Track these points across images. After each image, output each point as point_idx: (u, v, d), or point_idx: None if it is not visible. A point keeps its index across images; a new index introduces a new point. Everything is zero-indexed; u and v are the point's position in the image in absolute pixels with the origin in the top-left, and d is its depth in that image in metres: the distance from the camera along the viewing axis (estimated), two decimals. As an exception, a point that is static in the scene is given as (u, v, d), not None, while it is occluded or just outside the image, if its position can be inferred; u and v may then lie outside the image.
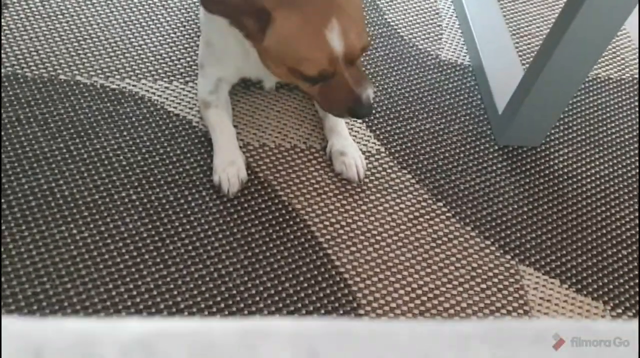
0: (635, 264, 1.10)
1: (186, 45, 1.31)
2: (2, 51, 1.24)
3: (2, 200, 1.04)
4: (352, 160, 1.14)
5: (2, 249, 0.98)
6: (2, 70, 1.21)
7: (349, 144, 1.17)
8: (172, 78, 1.26)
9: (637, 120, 1.33)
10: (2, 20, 1.30)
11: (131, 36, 1.32)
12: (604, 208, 1.17)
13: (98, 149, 1.13)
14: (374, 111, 1.00)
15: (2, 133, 1.12)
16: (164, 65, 1.28)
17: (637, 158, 1.26)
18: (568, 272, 1.08)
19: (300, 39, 0.94)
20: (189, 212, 1.07)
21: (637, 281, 1.07)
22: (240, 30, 0.99)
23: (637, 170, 1.23)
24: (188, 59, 1.28)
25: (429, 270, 1.05)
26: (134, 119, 1.18)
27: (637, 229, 1.15)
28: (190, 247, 1.02)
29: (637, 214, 1.17)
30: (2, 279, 0.95)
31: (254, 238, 1.05)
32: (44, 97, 1.18)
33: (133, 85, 1.23)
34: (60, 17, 1.32)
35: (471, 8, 1.45)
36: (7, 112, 1.15)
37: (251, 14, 0.94)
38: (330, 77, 0.96)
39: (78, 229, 1.02)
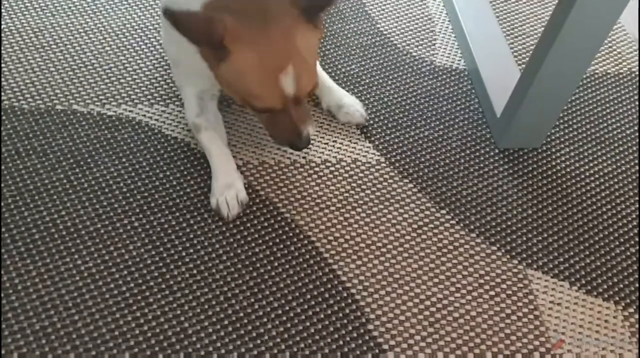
0: (645, 261, 1.09)
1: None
2: (-2, 85, 1.25)
3: (6, 235, 1.04)
4: (352, 107, 1.23)
5: (9, 285, 0.99)
6: (1, 104, 1.22)
7: (343, 95, 1.25)
8: (168, 101, 1.26)
9: (638, 114, 1.31)
10: (-3, 53, 1.31)
11: (125, 62, 1.32)
12: (609, 207, 1.16)
13: (98, 177, 1.13)
14: (311, 144, 1.10)
15: (2, 167, 1.13)
16: (159, 88, 1.28)
17: (639, 153, 1.24)
18: (577, 274, 1.07)
19: (255, 77, 0.94)
20: (191, 236, 1.06)
21: (647, 278, 1.06)
22: (199, 51, 0.99)
23: (639, 167, 1.22)
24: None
25: (436, 280, 1.04)
26: (132, 145, 1.18)
27: (645, 225, 1.14)
28: (194, 271, 1.02)
29: (643, 210, 1.16)
30: (10, 315, 0.95)
31: (259, 258, 1.04)
32: (42, 129, 1.19)
33: (130, 111, 1.23)
34: (54, 47, 1.33)
35: (463, 12, 1.44)
36: (6, 146, 1.16)
37: (210, 45, 0.93)
38: (277, 111, 0.99)
39: (82, 260, 1.02)
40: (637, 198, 1.18)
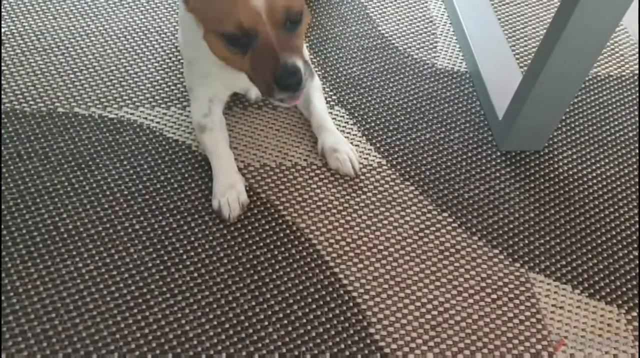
0: (648, 264, 1.09)
1: (182, 70, 1.31)
2: (0, 88, 1.25)
3: (7, 237, 1.04)
4: (345, 154, 1.16)
5: (10, 287, 0.98)
6: (2, 107, 1.22)
7: (340, 140, 1.18)
8: (169, 104, 1.26)
9: (639, 117, 1.31)
10: (-1, 56, 1.31)
11: (127, 64, 1.32)
12: (612, 210, 1.15)
13: (99, 179, 1.13)
14: (302, 86, 0.92)
15: (4, 170, 1.13)
16: (160, 91, 1.28)
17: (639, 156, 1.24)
18: (579, 277, 1.06)
19: None
20: (192, 239, 1.06)
21: (650, 281, 1.06)
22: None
23: (639, 169, 1.22)
24: (184, 83, 1.28)
25: (438, 283, 1.04)
26: (133, 148, 1.18)
27: (647, 228, 1.13)
28: (195, 274, 1.02)
29: (646, 212, 1.16)
30: (11, 318, 0.95)
31: (260, 261, 1.04)
32: (44, 131, 1.19)
33: (131, 114, 1.23)
34: (56, 49, 1.33)
35: (465, 14, 1.44)
36: (8, 149, 1.16)
37: None
38: (254, 37, 0.92)
39: (84, 262, 1.02)
40: (639, 201, 1.17)
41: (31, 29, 1.37)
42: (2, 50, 1.32)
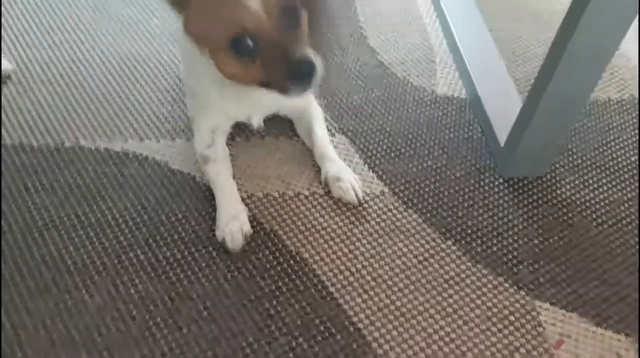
0: (655, 291, 1.08)
1: (186, 102, 1.33)
2: (8, 122, 1.27)
3: (16, 273, 1.05)
4: (348, 183, 1.17)
5: (19, 322, 0.99)
6: (9, 142, 1.24)
7: (343, 168, 1.19)
8: (174, 135, 1.27)
9: (638, 142, 1.31)
10: (7, 90, 1.33)
11: (132, 97, 1.34)
12: (617, 235, 1.15)
13: (105, 212, 1.14)
14: (315, 76, 0.93)
15: (12, 204, 1.14)
16: (165, 123, 1.29)
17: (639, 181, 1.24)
18: (586, 305, 1.06)
19: (216, 7, 0.94)
20: (197, 270, 1.07)
21: (658, 309, 1.05)
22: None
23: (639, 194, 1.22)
24: (188, 114, 1.30)
25: (443, 313, 1.04)
26: (139, 180, 1.19)
27: (651, 253, 1.13)
28: (201, 307, 1.02)
29: (650, 237, 1.15)
30: (20, 355, 0.96)
31: (264, 292, 1.04)
32: (50, 165, 1.20)
33: (136, 146, 1.25)
34: (62, 83, 1.35)
35: (463, 41, 1.46)
36: (15, 183, 1.17)
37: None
38: (260, 41, 0.93)
39: (90, 295, 1.03)
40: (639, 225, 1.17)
41: (37, 62, 1.39)
42: (10, 85, 1.34)
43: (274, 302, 1.03)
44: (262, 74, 0.97)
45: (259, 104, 1.19)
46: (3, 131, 1.25)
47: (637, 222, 1.18)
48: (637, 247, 1.14)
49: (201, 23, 0.97)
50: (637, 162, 1.27)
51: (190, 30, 1.00)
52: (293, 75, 0.93)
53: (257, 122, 1.22)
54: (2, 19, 1.49)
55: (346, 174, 1.19)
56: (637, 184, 1.24)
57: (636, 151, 1.29)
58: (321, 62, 0.96)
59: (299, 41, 0.95)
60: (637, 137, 1.32)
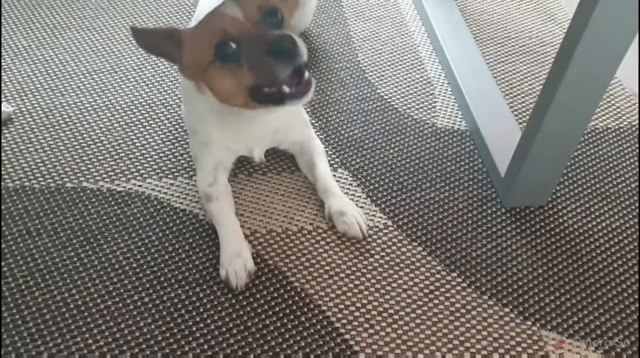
0: (662, 317, 1.07)
1: (187, 140, 1.34)
2: (9, 165, 1.28)
3: (17, 316, 1.04)
4: (352, 218, 1.17)
5: (19, 368, 0.98)
6: (10, 184, 1.24)
7: (346, 203, 1.20)
8: (176, 174, 1.28)
9: (638, 169, 1.32)
10: (8, 134, 1.34)
11: (134, 137, 1.35)
12: (620, 263, 1.15)
13: (108, 253, 1.14)
14: (299, 53, 0.92)
15: (14, 247, 1.14)
16: (167, 162, 1.30)
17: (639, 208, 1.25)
18: (593, 333, 1.05)
19: (201, 32, 1.00)
20: (201, 310, 1.06)
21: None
22: (171, 59, 1.08)
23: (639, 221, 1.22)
24: (190, 153, 1.31)
25: (450, 345, 1.03)
26: (141, 220, 1.19)
27: (658, 280, 1.12)
28: (205, 346, 1.01)
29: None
30: (20, 399, 0.95)
31: (269, 330, 1.04)
32: (53, 207, 1.20)
33: (139, 186, 1.25)
34: (64, 126, 1.37)
35: (461, 73, 1.48)
36: (18, 226, 1.17)
37: (171, 38, 1.02)
38: (241, 41, 0.96)
39: (93, 339, 1.02)
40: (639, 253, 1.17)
41: (40, 107, 1.41)
42: (12, 128, 1.35)
43: (279, 340, 1.02)
44: (250, 76, 0.97)
45: (259, 136, 1.21)
46: (5, 174, 1.26)
47: (639, 250, 1.17)
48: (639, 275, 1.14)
49: (191, 54, 1.02)
50: (637, 189, 1.28)
51: (184, 66, 1.04)
52: (275, 53, 0.91)
53: (258, 155, 1.23)
54: (8, 66, 1.51)
55: (350, 208, 1.19)
56: (637, 212, 1.24)
57: (635, 178, 1.30)
58: (302, 44, 0.94)
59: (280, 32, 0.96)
60: (637, 164, 1.33)
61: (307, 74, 0.99)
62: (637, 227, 1.21)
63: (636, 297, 1.10)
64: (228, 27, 0.96)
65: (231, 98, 1.03)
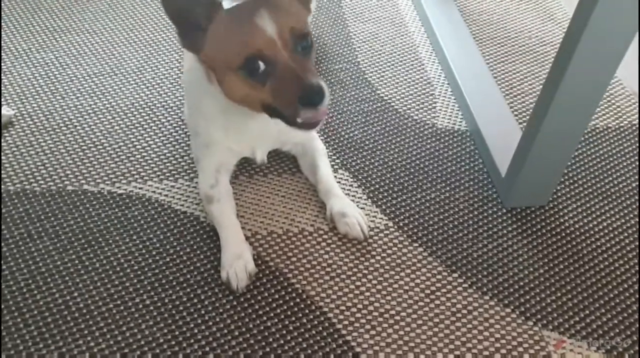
0: (664, 317, 1.07)
1: (188, 142, 1.34)
2: (10, 169, 1.28)
3: (19, 319, 1.04)
4: (354, 218, 1.17)
5: (21, 371, 0.98)
6: (11, 188, 1.24)
7: (347, 204, 1.20)
8: (177, 176, 1.28)
9: (638, 169, 1.32)
10: (9, 137, 1.34)
11: (134, 139, 1.35)
12: (622, 262, 1.15)
13: (109, 256, 1.14)
14: (325, 101, 0.96)
15: (15, 250, 1.14)
16: (168, 164, 1.30)
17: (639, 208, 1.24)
18: (594, 333, 1.05)
19: (233, 30, 0.98)
20: (203, 312, 1.06)
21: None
22: (188, 45, 1.04)
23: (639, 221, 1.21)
24: (191, 155, 1.31)
25: (452, 346, 1.03)
26: (142, 222, 1.19)
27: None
28: (207, 348, 1.01)
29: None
30: (23, 403, 0.95)
31: (271, 332, 1.04)
32: (54, 210, 1.21)
33: (140, 188, 1.25)
34: (65, 128, 1.37)
35: (461, 74, 1.48)
36: (19, 229, 1.17)
37: (206, 9, 1.00)
38: (273, 65, 0.96)
39: (95, 341, 1.02)
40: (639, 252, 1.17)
41: (40, 110, 1.41)
42: (12, 131, 1.36)
43: (281, 341, 1.02)
44: (270, 98, 0.99)
45: (262, 136, 1.21)
46: (6, 177, 1.26)
47: (639, 250, 1.18)
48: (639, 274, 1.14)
49: (217, 45, 1.00)
50: (638, 189, 1.28)
51: (205, 50, 1.02)
52: (305, 100, 0.95)
53: (260, 156, 1.23)
54: (9, 69, 1.51)
55: (351, 209, 1.19)
56: (638, 211, 1.24)
57: (635, 178, 1.30)
58: (329, 90, 0.98)
59: (310, 69, 0.99)
60: (637, 164, 1.33)
61: (323, 107, 0.98)
62: (638, 227, 1.21)
63: (637, 296, 1.10)
64: (263, 46, 0.96)
65: (242, 102, 1.05)
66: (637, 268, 1.14)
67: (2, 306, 1.06)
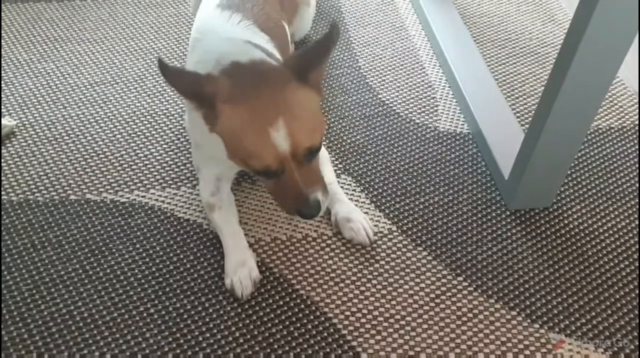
0: (670, 317, 1.06)
1: (190, 150, 1.34)
2: (13, 179, 1.28)
3: (23, 330, 1.04)
4: (359, 224, 1.17)
5: (26, 381, 0.98)
6: (14, 198, 1.25)
7: (352, 209, 1.19)
8: (179, 184, 1.28)
9: (638, 169, 1.31)
10: (11, 147, 1.34)
11: (136, 148, 1.35)
12: (627, 263, 1.14)
13: (113, 265, 1.14)
14: (321, 212, 0.99)
15: (19, 260, 1.14)
16: (170, 172, 1.30)
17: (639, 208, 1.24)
18: (601, 335, 1.04)
19: (246, 134, 0.94)
20: (207, 319, 1.06)
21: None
22: (198, 110, 0.99)
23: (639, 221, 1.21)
24: (193, 163, 1.30)
25: (458, 350, 1.02)
26: (145, 230, 1.19)
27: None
28: (212, 356, 1.01)
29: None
30: (28, 414, 0.94)
31: (276, 338, 1.03)
32: (57, 220, 1.21)
33: (142, 196, 1.25)
34: (67, 138, 1.37)
35: (462, 76, 1.47)
36: (22, 239, 1.17)
37: (201, 102, 0.95)
38: (280, 173, 0.96)
39: (100, 351, 1.02)
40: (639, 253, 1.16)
41: (42, 120, 1.41)
42: (15, 142, 1.36)
43: (286, 348, 1.02)
44: (271, 192, 1.04)
45: None
46: (8, 187, 1.26)
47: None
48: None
49: (227, 132, 0.96)
50: (638, 189, 1.27)
51: (216, 131, 0.98)
52: (301, 212, 0.98)
53: None
54: (10, 80, 1.52)
55: (357, 214, 1.19)
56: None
57: (638, 179, 1.29)
58: (327, 198, 1.01)
59: (314, 178, 0.99)
60: (639, 164, 1.32)
61: (320, 205, 0.99)
62: (643, 227, 1.21)
63: (644, 297, 1.10)
64: (274, 161, 0.94)
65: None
66: (643, 269, 1.14)
67: (7, 317, 1.06)
